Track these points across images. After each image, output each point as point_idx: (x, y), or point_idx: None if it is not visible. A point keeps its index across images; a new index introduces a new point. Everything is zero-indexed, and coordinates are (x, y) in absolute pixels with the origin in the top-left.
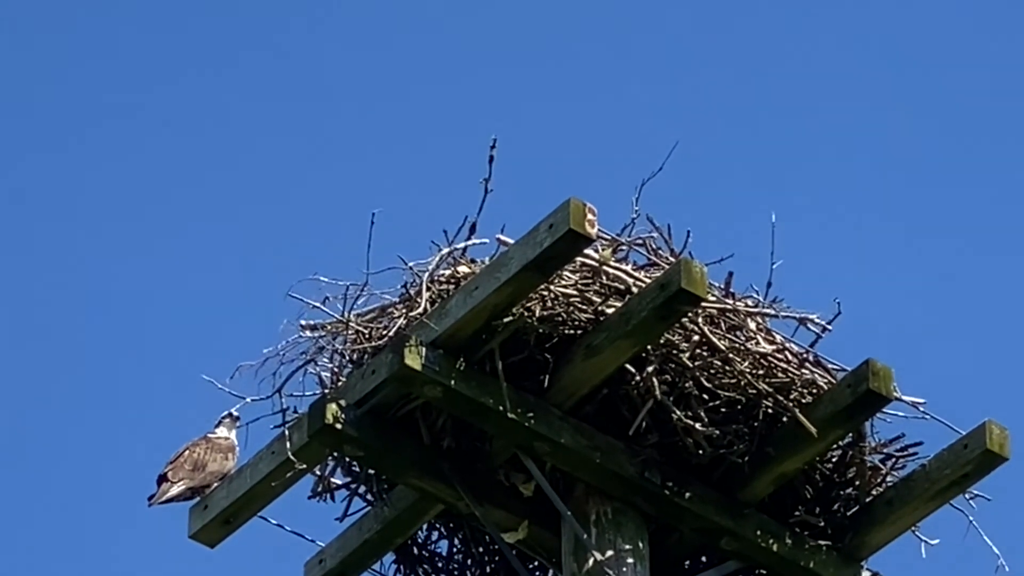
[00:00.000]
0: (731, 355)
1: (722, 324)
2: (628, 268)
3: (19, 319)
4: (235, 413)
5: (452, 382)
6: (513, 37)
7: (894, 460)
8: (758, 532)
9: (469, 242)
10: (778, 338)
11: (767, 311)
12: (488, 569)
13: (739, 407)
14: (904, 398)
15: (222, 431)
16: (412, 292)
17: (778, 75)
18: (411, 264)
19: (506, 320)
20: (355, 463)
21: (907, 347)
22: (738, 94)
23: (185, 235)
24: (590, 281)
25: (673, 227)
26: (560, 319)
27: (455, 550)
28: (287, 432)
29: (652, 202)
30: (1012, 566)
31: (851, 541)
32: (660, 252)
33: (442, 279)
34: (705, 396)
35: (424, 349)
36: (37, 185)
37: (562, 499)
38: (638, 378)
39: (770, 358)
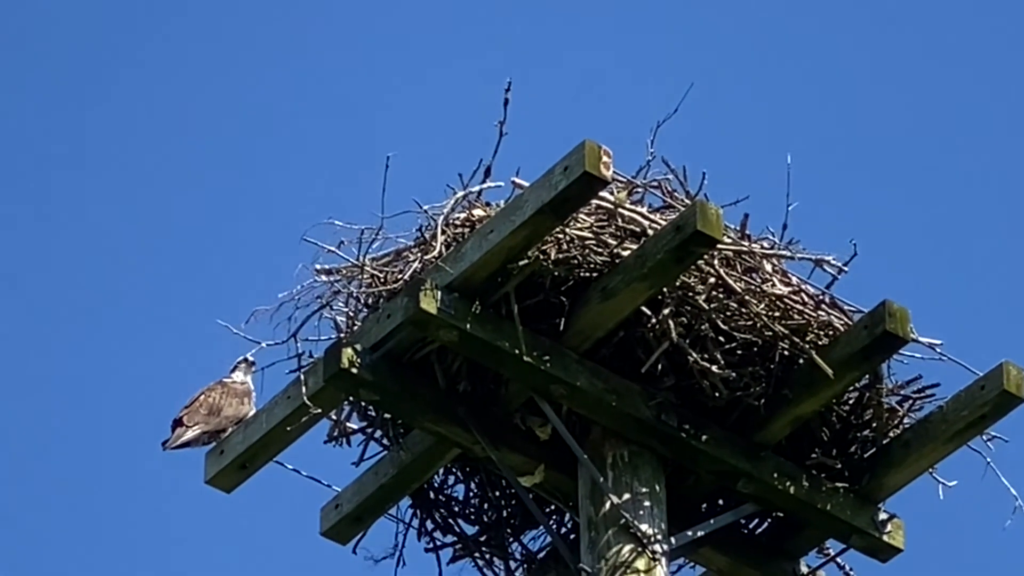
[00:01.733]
0: (747, 297)
1: (738, 266)
2: (643, 210)
3: (34, 265)
4: (251, 358)
5: (467, 325)
6: None
7: (911, 402)
8: (775, 474)
9: (484, 185)
10: (794, 280)
11: (783, 253)
12: (505, 513)
13: (755, 349)
14: (921, 339)
15: (238, 375)
16: (427, 235)
17: (792, 15)
18: (426, 207)
19: (521, 263)
20: (371, 407)
21: (924, 288)
22: (752, 35)
23: (200, 181)
24: (605, 223)
25: (688, 169)
26: (575, 262)
27: (471, 494)
28: (302, 377)
29: (667, 144)
30: None
31: (868, 483)
32: (675, 194)
33: (457, 222)
34: (721, 338)
35: (439, 292)
36: (52, 126)
37: (578, 442)
38: (654, 320)
39: (786, 300)
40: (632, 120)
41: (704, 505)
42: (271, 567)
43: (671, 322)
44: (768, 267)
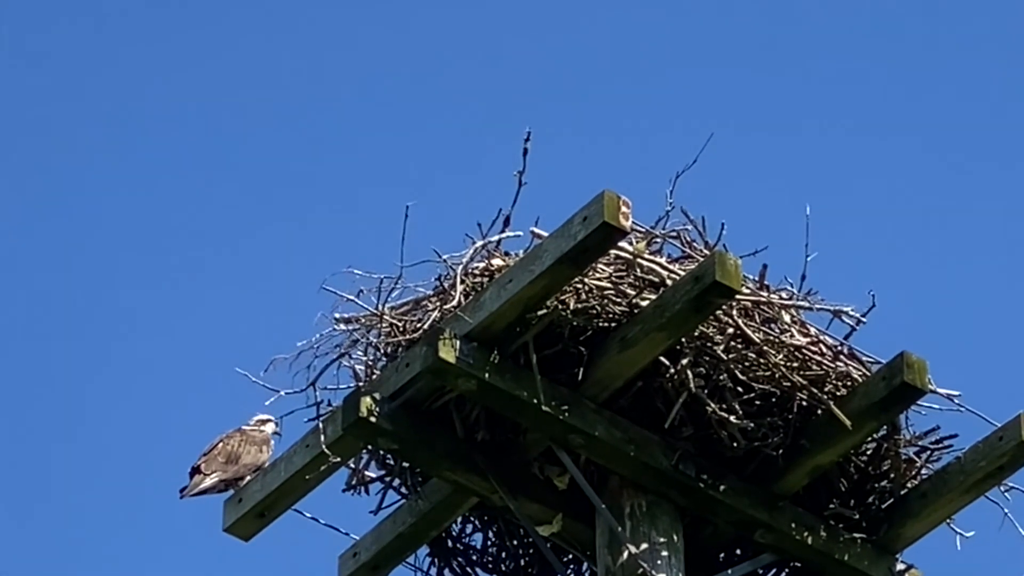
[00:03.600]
0: (765, 347)
1: (756, 316)
2: (662, 260)
3: (52, 311)
4: (278, 429)
5: (486, 375)
6: (546, 28)
7: (929, 452)
8: (793, 525)
9: (503, 235)
10: (812, 330)
11: (801, 303)
12: (522, 562)
13: (773, 400)
14: (939, 390)
15: (262, 427)
16: (446, 285)
17: (813, 67)
18: (445, 257)
19: (540, 313)
20: (389, 456)
21: (942, 339)
22: (772, 86)
23: (220, 228)
24: (624, 273)
25: (707, 219)
26: (594, 312)
27: (489, 543)
28: (321, 425)
29: (686, 194)
30: None
31: (886, 534)
32: (694, 244)
33: (476, 272)
34: (739, 388)
35: (458, 342)
36: (76, 169)
37: (596, 492)
38: (672, 371)
39: (804, 351)
40: (651, 170)
41: (722, 555)
42: None
43: (689, 372)
44: (787, 318)
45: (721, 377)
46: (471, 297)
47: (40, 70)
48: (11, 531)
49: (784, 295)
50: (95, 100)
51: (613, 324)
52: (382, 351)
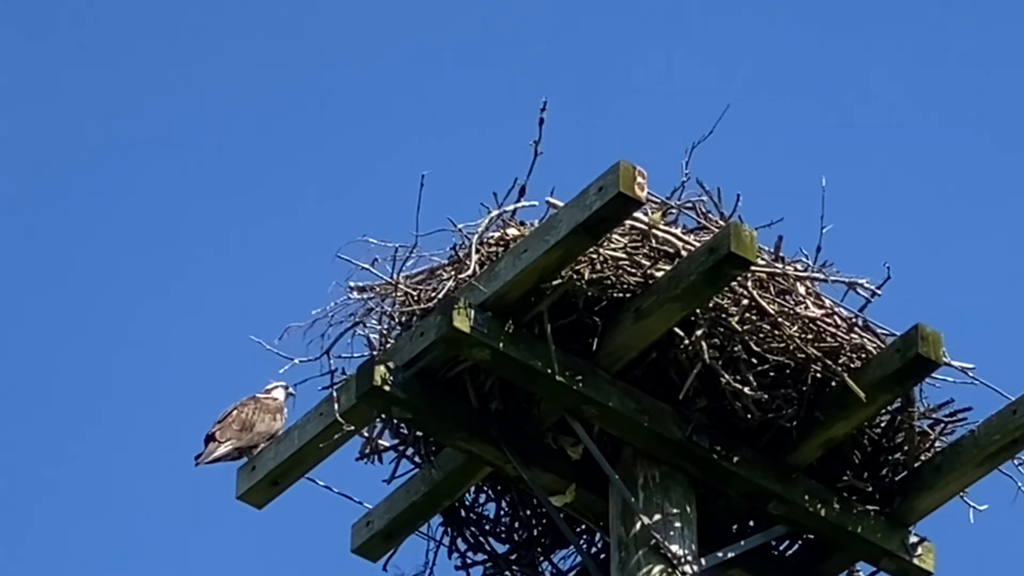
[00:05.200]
0: (780, 319)
1: (771, 288)
2: (677, 231)
3: (67, 281)
4: (292, 390)
5: (500, 344)
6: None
7: (943, 425)
8: (806, 497)
9: (518, 204)
10: (827, 302)
11: (816, 275)
12: (535, 532)
13: (788, 371)
14: (953, 363)
15: (274, 394)
16: (461, 254)
17: (829, 37)
18: (460, 226)
19: (555, 283)
20: (403, 425)
21: (957, 312)
22: (788, 58)
23: (234, 197)
24: (639, 244)
25: (723, 191)
26: (609, 282)
27: (502, 513)
28: (335, 394)
29: (702, 165)
30: None
31: (899, 506)
32: (710, 215)
33: (491, 241)
34: (754, 360)
35: (473, 311)
36: (93, 138)
37: (610, 463)
38: (687, 342)
39: (819, 322)
40: (667, 141)
41: (735, 526)
42: None
43: (704, 343)
44: (801, 289)
45: (735, 348)
46: (486, 266)
47: (34, 62)
48: (26, 499)
49: (799, 267)
50: (109, 76)
51: (628, 295)
52: (396, 320)
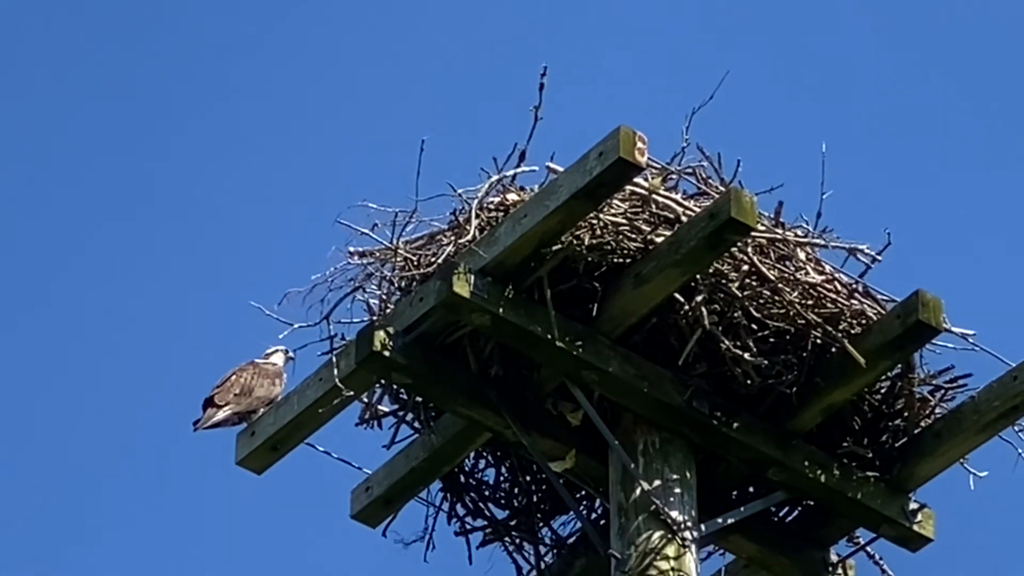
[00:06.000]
0: (780, 285)
1: (771, 254)
2: (678, 197)
3: (67, 243)
4: (291, 353)
5: (500, 310)
6: None
7: (943, 392)
8: (806, 463)
9: (518, 169)
10: (827, 268)
11: (817, 241)
12: (535, 498)
13: (788, 337)
14: (954, 329)
15: (273, 359)
16: (461, 219)
17: (828, 2)
18: (460, 191)
19: (555, 248)
20: (402, 390)
21: (957, 278)
22: (789, 23)
23: (235, 163)
24: (639, 210)
25: (723, 156)
26: (609, 247)
27: (502, 478)
28: (335, 359)
29: (702, 131)
30: None
31: (899, 473)
32: (710, 181)
33: (491, 206)
34: (754, 326)
35: (472, 276)
36: (93, 99)
37: (610, 428)
38: (687, 307)
39: (819, 288)
40: (667, 106)
41: (735, 492)
42: (301, 549)
43: (704, 309)
44: (802, 255)
45: (735, 314)
46: (486, 232)
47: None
48: (25, 466)
49: (799, 232)
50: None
51: (628, 260)
52: (396, 285)
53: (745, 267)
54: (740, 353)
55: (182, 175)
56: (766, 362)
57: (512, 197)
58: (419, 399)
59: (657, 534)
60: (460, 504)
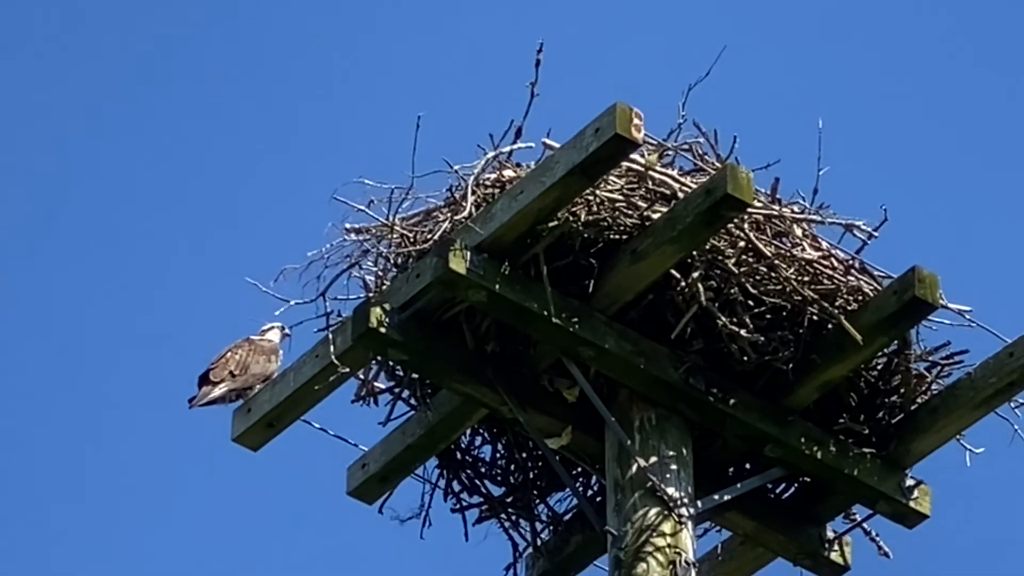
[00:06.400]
0: (777, 261)
1: (768, 230)
2: (674, 173)
3: (62, 221)
4: (288, 330)
5: (496, 286)
6: None
7: (939, 368)
8: (802, 439)
9: (515, 146)
10: (824, 244)
11: (813, 217)
12: (531, 475)
13: (784, 314)
14: (950, 306)
15: (269, 336)
16: (457, 196)
17: None
18: (456, 168)
19: (551, 224)
20: (399, 367)
21: (954, 254)
22: None
23: (230, 139)
24: (636, 186)
25: (720, 132)
26: (605, 224)
27: (498, 455)
28: (331, 336)
29: (699, 107)
30: None
31: (895, 449)
32: (706, 157)
33: (487, 183)
34: (750, 302)
35: (469, 253)
36: (89, 77)
37: (606, 405)
38: (683, 284)
39: (816, 264)
40: (664, 83)
41: (731, 469)
42: (297, 526)
43: (700, 286)
44: (798, 231)
45: (732, 291)
46: (482, 208)
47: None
48: (19, 441)
49: (796, 209)
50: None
51: (624, 236)
52: (392, 262)
53: (741, 243)
54: (736, 329)
55: (178, 152)
56: (762, 338)
57: (508, 173)
58: (415, 376)
59: (653, 511)
60: (456, 481)
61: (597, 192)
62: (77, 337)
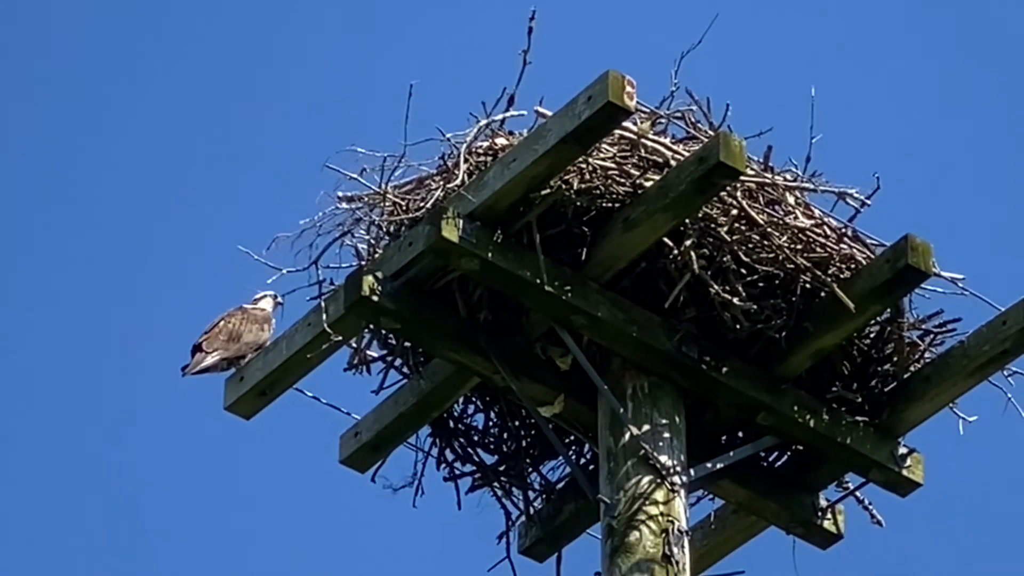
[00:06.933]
0: (769, 229)
1: (760, 198)
2: (667, 141)
3: (55, 191)
4: (280, 299)
5: (489, 254)
6: None
7: (932, 336)
8: (795, 408)
9: (507, 114)
10: (816, 212)
11: (806, 185)
12: (524, 443)
13: (777, 282)
14: (943, 274)
15: (262, 304)
16: (450, 164)
17: None
18: (449, 136)
19: (544, 192)
20: (391, 335)
21: (947, 222)
22: None
23: (223, 107)
24: (628, 154)
25: (712, 100)
26: (598, 192)
27: (491, 424)
28: (323, 304)
29: (691, 75)
30: None
31: (888, 417)
32: (699, 125)
33: (480, 151)
34: (743, 270)
35: (461, 221)
36: (77, 44)
37: (599, 373)
38: (676, 252)
39: (808, 233)
40: (656, 51)
41: (724, 437)
42: (290, 494)
43: (693, 254)
44: (791, 199)
45: (724, 259)
46: (475, 176)
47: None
48: (13, 413)
49: (788, 177)
50: None
51: (617, 205)
52: (385, 230)
53: (734, 211)
54: (729, 298)
55: (170, 119)
56: (755, 307)
57: (501, 142)
58: (408, 344)
59: (646, 479)
60: (449, 449)
61: (590, 160)
62: (70, 305)
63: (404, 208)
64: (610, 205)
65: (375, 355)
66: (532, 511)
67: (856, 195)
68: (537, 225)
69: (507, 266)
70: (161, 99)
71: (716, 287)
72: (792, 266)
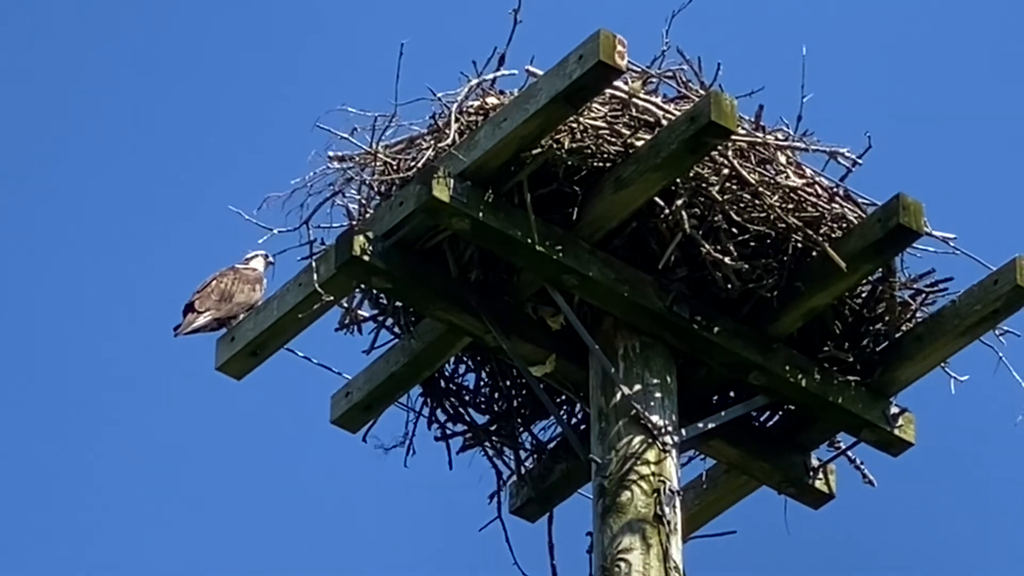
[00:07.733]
0: (761, 189)
1: (752, 157)
2: (658, 100)
3: (51, 153)
4: (272, 258)
5: (480, 214)
6: None
7: (924, 296)
8: (787, 367)
9: (498, 73)
10: (808, 172)
11: (797, 145)
12: (515, 403)
13: (768, 241)
14: (934, 233)
15: (253, 264)
16: (441, 123)
17: None
18: (440, 95)
19: (535, 152)
20: (382, 295)
21: (938, 181)
22: None
23: (212, 65)
24: (619, 113)
25: (703, 60)
26: (589, 151)
27: (482, 384)
28: (314, 264)
29: (682, 34)
30: None
31: (880, 377)
32: (690, 85)
33: (471, 110)
34: (734, 230)
35: (452, 181)
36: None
37: (590, 333)
38: (667, 211)
39: (800, 192)
40: (647, 10)
41: (715, 397)
42: (281, 455)
43: (684, 213)
44: (782, 159)
45: (716, 218)
46: (465, 136)
47: None
48: (4, 376)
49: (780, 136)
50: None
51: (608, 164)
52: (376, 190)
53: (725, 171)
54: (720, 257)
55: (160, 81)
56: (747, 266)
57: (492, 101)
58: (399, 304)
59: (637, 439)
60: (440, 409)
61: (581, 119)
62: (60, 266)
63: (395, 168)
64: (601, 165)
65: (366, 315)
66: (523, 471)
67: (847, 154)
68: (528, 185)
69: (498, 226)
70: (151, 60)
71: (707, 247)
72: (783, 225)
